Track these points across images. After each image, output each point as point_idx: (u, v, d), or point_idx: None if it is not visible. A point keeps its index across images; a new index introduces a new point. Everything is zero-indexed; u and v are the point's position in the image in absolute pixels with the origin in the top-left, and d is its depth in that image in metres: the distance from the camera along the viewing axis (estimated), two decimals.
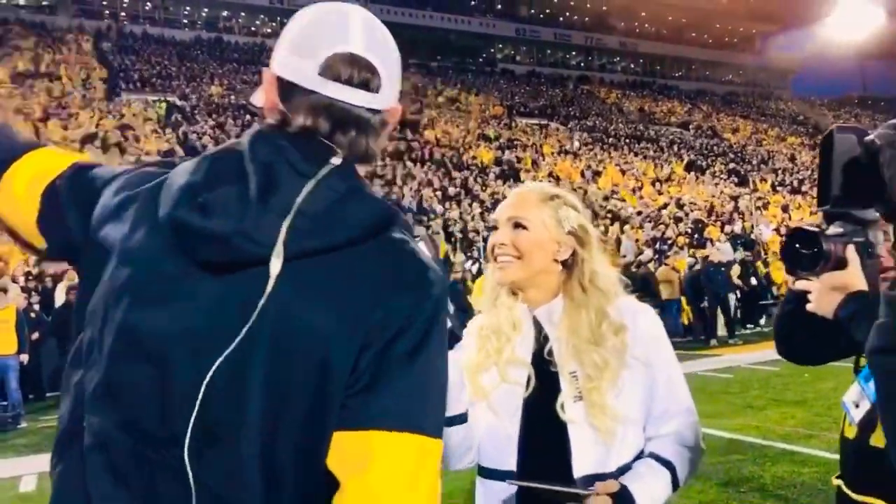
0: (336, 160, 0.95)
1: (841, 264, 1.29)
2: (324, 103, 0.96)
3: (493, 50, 43.33)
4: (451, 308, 1.15)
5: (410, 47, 38.18)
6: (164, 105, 25.32)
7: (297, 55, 0.99)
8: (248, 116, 25.54)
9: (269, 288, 0.88)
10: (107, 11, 35.15)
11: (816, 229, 1.31)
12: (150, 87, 27.27)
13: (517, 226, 1.52)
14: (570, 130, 30.74)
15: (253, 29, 38.09)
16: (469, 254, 13.75)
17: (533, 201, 1.54)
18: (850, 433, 1.43)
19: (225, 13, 37.79)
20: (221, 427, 0.86)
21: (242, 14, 38.14)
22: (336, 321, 0.89)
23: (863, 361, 1.38)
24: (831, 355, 1.55)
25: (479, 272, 12.00)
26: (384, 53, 1.02)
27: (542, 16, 44.81)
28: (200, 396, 0.86)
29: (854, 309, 1.25)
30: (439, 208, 17.61)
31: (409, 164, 22.99)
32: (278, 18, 38.89)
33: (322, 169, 0.93)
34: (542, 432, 1.45)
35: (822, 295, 1.32)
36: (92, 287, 0.94)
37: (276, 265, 0.88)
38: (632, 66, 47.11)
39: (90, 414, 0.89)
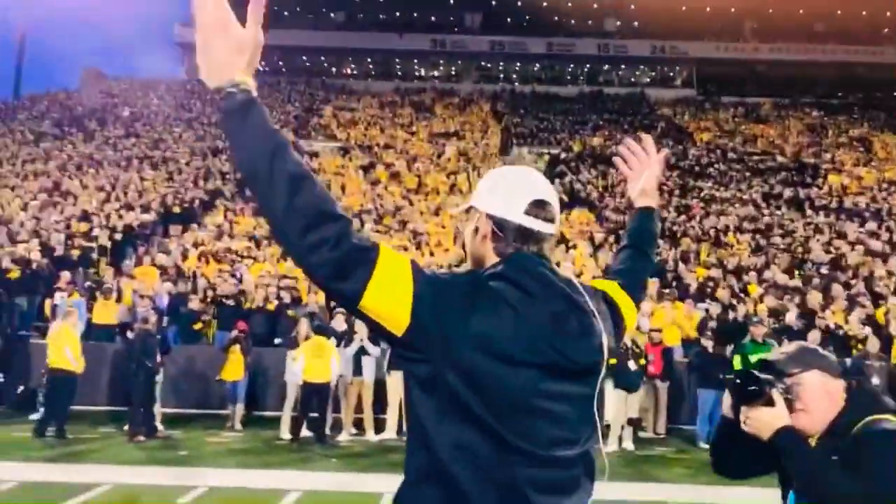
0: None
1: (769, 402, 1.83)
2: (526, 229, 1.50)
3: None
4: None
5: (804, 84, 34.70)
6: (545, 157, 26.92)
7: (507, 201, 1.51)
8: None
9: (606, 355, 1.45)
10: (502, 75, 39.06)
11: (758, 373, 1.88)
12: (537, 140, 29.29)
13: None
14: None
15: (632, 80, 38.61)
16: None
17: None
18: None
19: (605, 67, 39.06)
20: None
21: (622, 66, 38.98)
22: None
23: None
24: (760, 472, 2.00)
25: None
26: (554, 196, 1.56)
27: None
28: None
29: (783, 443, 1.80)
30: (859, 264, 15.12)
31: (810, 212, 20.49)
32: (658, 67, 38.85)
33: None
34: None
35: (756, 423, 1.84)
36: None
37: (605, 339, 1.46)
38: None
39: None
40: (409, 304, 1.31)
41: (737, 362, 8.43)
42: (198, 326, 11.51)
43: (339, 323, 10.14)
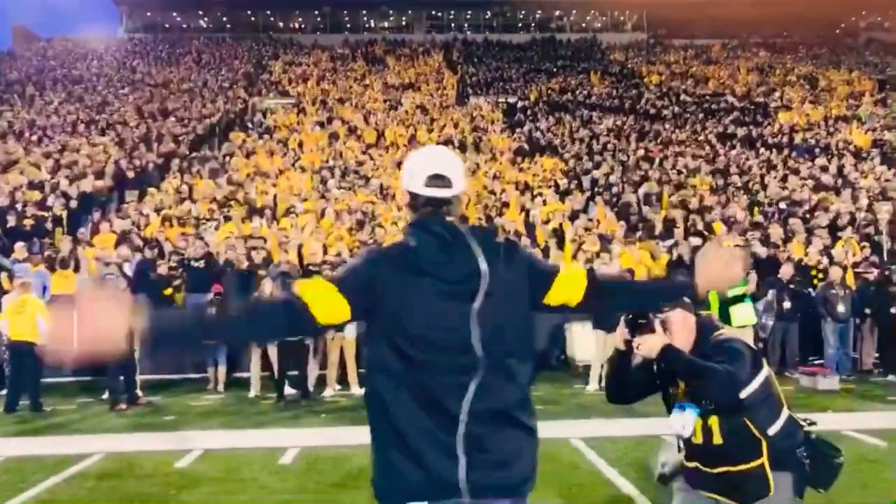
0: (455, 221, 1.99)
1: (653, 331, 2.57)
2: (428, 198, 2.01)
3: (854, 18, 37.72)
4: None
5: (751, 24, 35.07)
6: (503, 106, 26.72)
7: (414, 178, 2.03)
8: (584, 111, 25.73)
9: (486, 279, 1.89)
10: (453, 24, 38.40)
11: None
12: (493, 89, 29.04)
13: None
14: None
15: (584, 25, 38.42)
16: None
17: None
18: (698, 440, 2.67)
19: (557, 12, 38.72)
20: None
21: (574, 12, 38.71)
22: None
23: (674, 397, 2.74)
24: (644, 395, 2.84)
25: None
26: (453, 167, 2.05)
27: None
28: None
29: (668, 354, 2.54)
30: (813, 199, 15.60)
31: (763, 151, 20.97)
32: (609, 12, 38.71)
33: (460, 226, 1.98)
34: None
35: (646, 346, 2.55)
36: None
37: (485, 266, 1.90)
38: None
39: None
40: (344, 303, 1.86)
41: (713, 297, 8.64)
42: (168, 292, 11.24)
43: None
